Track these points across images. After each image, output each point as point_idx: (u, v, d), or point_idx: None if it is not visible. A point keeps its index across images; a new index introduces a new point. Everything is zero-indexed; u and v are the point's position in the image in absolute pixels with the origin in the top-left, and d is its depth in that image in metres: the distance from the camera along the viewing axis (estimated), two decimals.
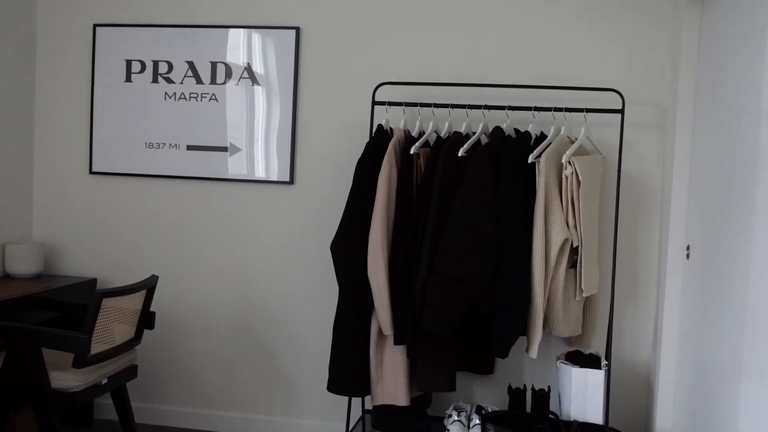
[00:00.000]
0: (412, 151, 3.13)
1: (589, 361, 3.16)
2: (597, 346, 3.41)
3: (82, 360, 2.90)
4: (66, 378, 2.97)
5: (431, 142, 3.32)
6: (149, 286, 3.21)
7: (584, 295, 3.06)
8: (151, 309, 3.83)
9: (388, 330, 3.10)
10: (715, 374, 2.63)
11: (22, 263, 3.65)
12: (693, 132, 3.12)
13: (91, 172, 3.86)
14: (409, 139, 3.23)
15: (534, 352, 3.01)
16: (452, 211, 2.99)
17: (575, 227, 3.03)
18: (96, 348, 2.95)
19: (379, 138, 3.24)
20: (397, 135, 3.20)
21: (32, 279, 3.67)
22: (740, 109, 2.53)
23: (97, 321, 2.92)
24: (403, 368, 3.16)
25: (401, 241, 3.11)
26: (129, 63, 3.79)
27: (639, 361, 3.44)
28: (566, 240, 2.97)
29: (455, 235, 2.95)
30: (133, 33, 3.78)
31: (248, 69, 3.69)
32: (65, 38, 3.87)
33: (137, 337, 3.25)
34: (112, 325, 3.03)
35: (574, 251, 3.05)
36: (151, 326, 3.32)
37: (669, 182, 3.23)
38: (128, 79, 3.80)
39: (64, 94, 3.88)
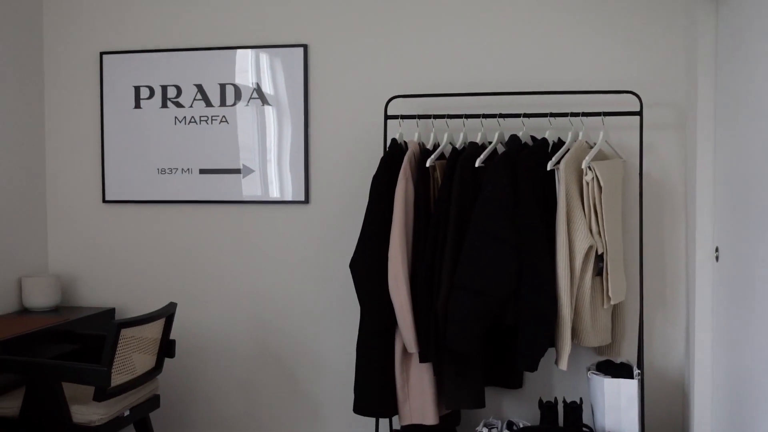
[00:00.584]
0: (428, 164, 3.08)
1: (621, 371, 3.08)
2: (627, 355, 3.32)
3: (103, 392, 2.86)
4: (87, 412, 2.92)
5: (447, 154, 3.26)
6: (168, 314, 3.16)
7: (612, 302, 2.98)
8: (171, 337, 3.78)
9: (412, 348, 3.03)
10: (755, 379, 2.54)
11: (39, 296, 3.62)
12: (715, 130, 3.05)
13: (104, 201, 3.83)
14: (424, 152, 3.18)
15: (564, 364, 2.93)
16: (471, 222, 2.93)
17: (599, 234, 2.96)
18: (117, 380, 2.91)
19: (394, 152, 3.19)
20: (412, 148, 3.15)
21: (50, 312, 3.63)
22: (766, 103, 2.45)
23: (117, 352, 2.87)
24: (430, 386, 3.09)
25: (421, 256, 3.05)
26: (137, 89, 3.77)
27: (672, 368, 3.35)
28: (591, 247, 2.90)
29: (475, 247, 2.89)
30: (140, 59, 3.76)
31: (257, 89, 3.65)
32: (72, 68, 3.85)
33: (158, 366, 3.20)
34: (132, 355, 2.98)
35: (599, 258, 2.98)
36: (171, 354, 3.27)
37: (693, 183, 3.15)
38: (137, 106, 3.77)
39: (74, 124, 3.86)
